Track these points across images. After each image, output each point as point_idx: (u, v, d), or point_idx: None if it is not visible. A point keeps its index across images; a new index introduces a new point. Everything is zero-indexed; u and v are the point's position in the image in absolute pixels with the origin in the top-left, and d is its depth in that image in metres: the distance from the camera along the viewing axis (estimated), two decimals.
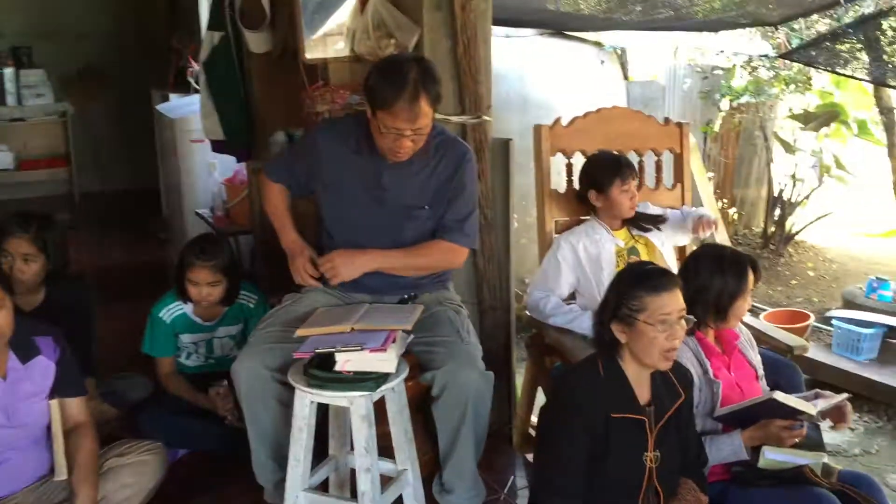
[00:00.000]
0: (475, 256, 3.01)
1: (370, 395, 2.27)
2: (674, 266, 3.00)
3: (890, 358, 4.44)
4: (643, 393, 2.20)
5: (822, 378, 4.34)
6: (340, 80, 3.05)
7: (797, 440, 2.33)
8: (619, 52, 5.98)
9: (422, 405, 2.65)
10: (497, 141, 3.01)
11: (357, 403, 2.26)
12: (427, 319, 2.57)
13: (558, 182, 3.21)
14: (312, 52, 3.05)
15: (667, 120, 3.33)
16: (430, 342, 2.51)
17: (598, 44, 5.59)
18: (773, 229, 7.41)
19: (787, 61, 6.40)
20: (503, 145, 3.01)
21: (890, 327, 4.49)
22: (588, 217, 3.11)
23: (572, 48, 5.37)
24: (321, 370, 2.28)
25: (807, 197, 7.29)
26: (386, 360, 2.29)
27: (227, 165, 4.49)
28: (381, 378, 2.29)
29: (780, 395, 2.25)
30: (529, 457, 3.19)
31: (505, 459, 3.12)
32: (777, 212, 7.38)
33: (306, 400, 2.31)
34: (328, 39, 3.07)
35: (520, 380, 3.34)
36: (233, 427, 2.94)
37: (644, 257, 3.01)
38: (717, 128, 7.37)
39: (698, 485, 2.28)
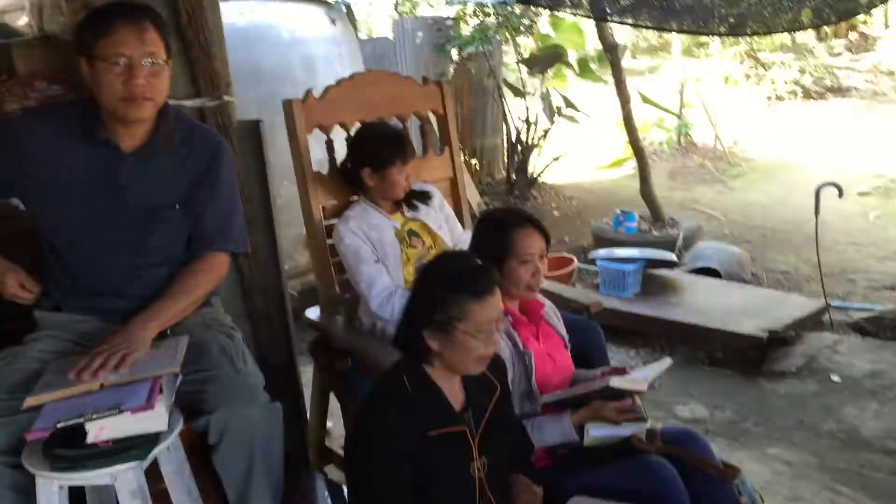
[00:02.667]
0: (238, 262, 2.56)
1: (140, 465, 1.81)
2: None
3: (653, 290, 4.62)
4: (457, 398, 1.95)
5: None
6: (31, 69, 2.40)
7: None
8: (346, 8, 5.64)
9: (199, 449, 2.20)
10: (244, 124, 2.57)
11: (123, 479, 1.79)
12: (192, 349, 2.11)
13: (319, 162, 2.83)
14: None
15: (425, 80, 3.06)
16: (200, 379, 2.07)
17: (324, 2, 5.20)
18: (515, 175, 7.57)
19: (510, 7, 6.43)
20: (252, 128, 2.57)
21: (648, 260, 4.66)
22: (356, 198, 2.78)
23: (299, 9, 4.92)
24: (68, 447, 1.77)
25: (542, 138, 7.50)
26: (155, 418, 1.82)
27: None
28: (152, 440, 1.84)
29: (615, 381, 2.15)
30: (332, 473, 2.87)
31: (305, 485, 2.76)
32: (517, 157, 7.55)
33: (53, 486, 1.79)
34: (7, 17, 2.41)
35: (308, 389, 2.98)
36: None
37: (426, 240, 2.76)
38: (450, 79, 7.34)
39: (530, 476, 2.10)
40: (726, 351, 4.23)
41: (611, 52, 5.85)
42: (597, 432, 2.20)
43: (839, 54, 14.04)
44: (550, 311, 2.49)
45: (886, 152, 8.63)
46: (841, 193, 4.53)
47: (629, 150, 8.77)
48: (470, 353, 1.85)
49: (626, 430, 2.21)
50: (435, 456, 1.85)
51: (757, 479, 2.63)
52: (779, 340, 4.13)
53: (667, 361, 2.37)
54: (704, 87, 10.18)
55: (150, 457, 1.84)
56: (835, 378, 3.87)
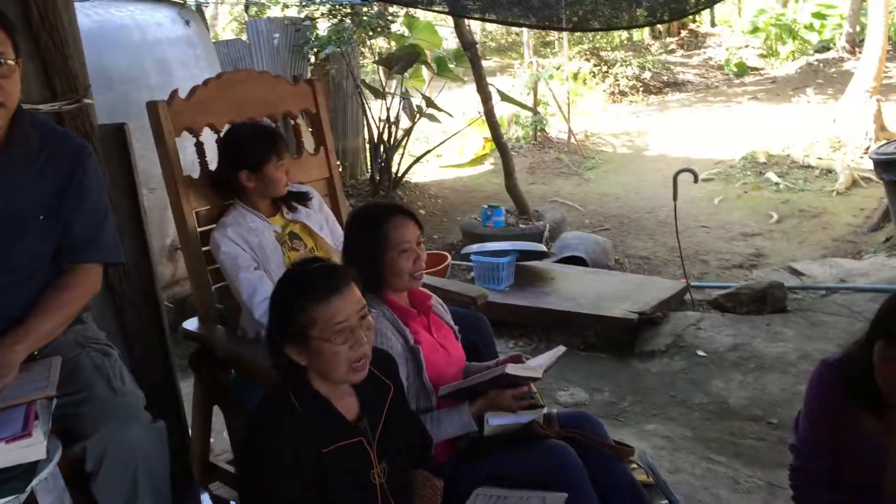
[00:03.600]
0: (107, 276, 2.40)
1: (17, 500, 1.66)
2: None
3: (525, 281, 4.71)
4: (350, 408, 1.88)
5: None
6: None
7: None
8: (198, 9, 5.43)
9: (76, 478, 2.05)
10: (108, 128, 2.41)
11: None
12: (65, 369, 1.96)
13: (190, 166, 2.71)
14: None
15: (296, 79, 2.99)
16: (74, 402, 1.93)
17: (177, 3, 4.97)
18: (379, 176, 7.54)
19: (366, 7, 6.40)
20: (116, 132, 2.42)
21: (520, 252, 4.75)
22: (232, 202, 2.68)
23: (150, 10, 4.68)
24: None
25: (405, 137, 7.53)
26: (32, 446, 1.68)
27: None
28: (30, 469, 1.69)
29: (511, 368, 2.16)
30: (218, 490, 2.76)
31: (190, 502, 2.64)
32: (380, 158, 7.52)
33: None
34: None
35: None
36: None
37: (308, 242, 2.69)
38: None
39: (430, 471, 2.08)
40: (600, 335, 4.38)
41: (470, 50, 5.92)
42: (496, 421, 2.22)
43: (673, 51, 14.93)
44: (437, 303, 2.49)
45: (723, 140, 9.22)
46: (696, 179, 4.79)
47: (488, 147, 8.97)
48: (336, 360, 1.76)
49: (524, 417, 2.24)
50: (332, 470, 1.79)
51: None
52: (647, 321, 4.31)
53: (560, 349, 2.42)
54: (556, 84, 10.52)
55: (29, 489, 1.69)
56: (700, 353, 4.08)
